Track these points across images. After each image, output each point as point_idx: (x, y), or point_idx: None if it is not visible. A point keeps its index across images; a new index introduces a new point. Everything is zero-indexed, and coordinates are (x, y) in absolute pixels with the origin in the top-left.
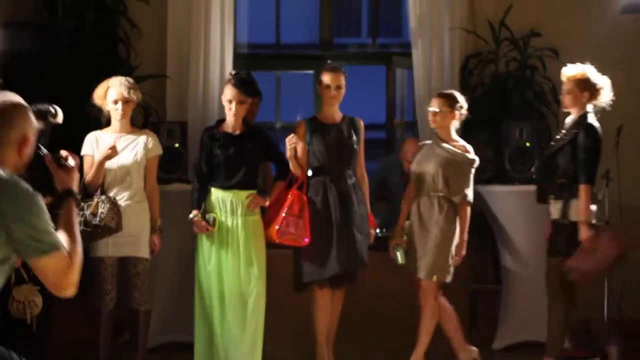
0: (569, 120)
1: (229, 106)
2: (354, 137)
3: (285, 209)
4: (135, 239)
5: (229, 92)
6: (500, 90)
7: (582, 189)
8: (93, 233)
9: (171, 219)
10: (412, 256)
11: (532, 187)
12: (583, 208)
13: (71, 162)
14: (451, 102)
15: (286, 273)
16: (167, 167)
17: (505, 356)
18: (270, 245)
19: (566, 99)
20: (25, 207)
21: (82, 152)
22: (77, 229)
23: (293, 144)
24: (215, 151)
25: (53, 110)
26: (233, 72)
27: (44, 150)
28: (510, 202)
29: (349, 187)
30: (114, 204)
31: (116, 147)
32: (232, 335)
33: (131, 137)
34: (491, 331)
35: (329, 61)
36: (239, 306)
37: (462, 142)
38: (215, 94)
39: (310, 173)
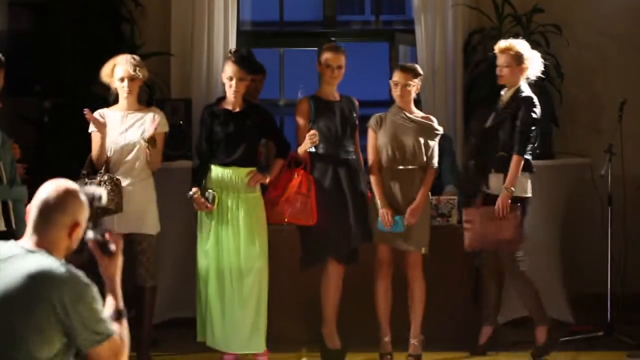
0: (506, 93)
1: (229, 83)
2: (354, 114)
3: (294, 188)
4: (141, 215)
5: (229, 69)
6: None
7: (514, 159)
8: (92, 213)
9: (175, 196)
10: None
11: (534, 163)
12: (510, 177)
13: (113, 247)
14: (416, 75)
15: (288, 251)
16: (172, 144)
17: (509, 331)
18: (271, 222)
19: (504, 72)
20: (81, 300)
21: (90, 129)
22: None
23: (315, 142)
24: (215, 128)
25: (98, 195)
26: (233, 50)
27: (90, 235)
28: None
29: (354, 162)
30: (115, 184)
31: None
32: (232, 313)
33: (138, 114)
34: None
35: (332, 39)
36: (239, 283)
37: (420, 112)
38: (219, 72)
39: (313, 149)
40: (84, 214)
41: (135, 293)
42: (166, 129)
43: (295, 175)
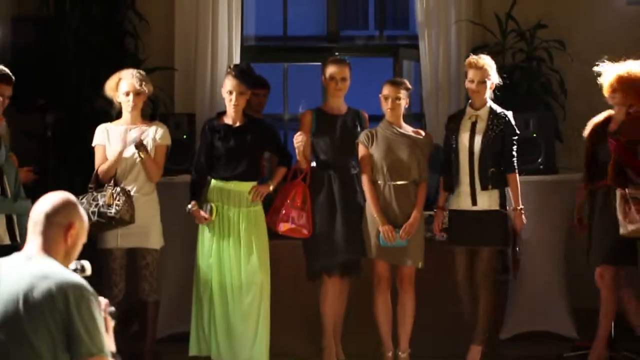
0: (481, 110)
1: (229, 97)
2: (359, 129)
3: (288, 201)
4: (145, 230)
5: (229, 83)
6: (506, 82)
7: (514, 177)
8: (107, 224)
9: (178, 211)
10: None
11: (538, 178)
12: (518, 196)
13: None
14: (406, 88)
15: (292, 265)
16: (175, 159)
17: (513, 346)
18: (277, 236)
19: (481, 88)
20: (84, 302)
21: (94, 143)
22: None
23: (300, 143)
24: (215, 143)
25: (79, 267)
26: (233, 65)
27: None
28: (524, 193)
29: (352, 177)
30: (129, 196)
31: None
32: (234, 328)
33: (142, 128)
34: (498, 321)
35: (336, 53)
36: (240, 297)
37: (409, 127)
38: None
39: (314, 164)
40: (80, 220)
41: (139, 307)
42: (168, 142)
43: (293, 188)
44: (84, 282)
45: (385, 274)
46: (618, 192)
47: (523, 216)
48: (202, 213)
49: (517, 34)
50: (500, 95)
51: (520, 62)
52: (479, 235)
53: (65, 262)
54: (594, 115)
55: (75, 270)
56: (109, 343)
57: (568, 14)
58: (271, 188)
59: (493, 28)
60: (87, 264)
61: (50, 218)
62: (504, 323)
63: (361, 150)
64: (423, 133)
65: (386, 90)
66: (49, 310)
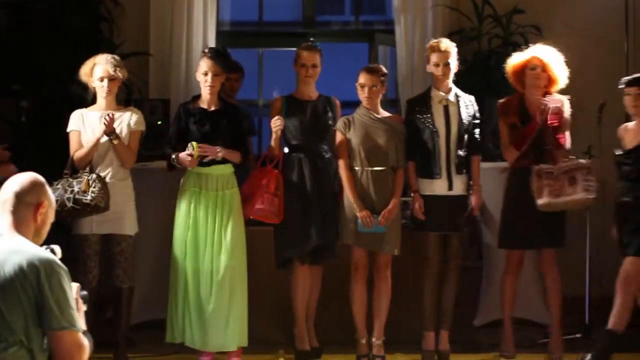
0: (449, 93)
1: (204, 79)
2: (329, 114)
3: (261, 187)
4: (119, 216)
5: (204, 64)
6: (482, 67)
7: (479, 159)
8: (82, 211)
9: (154, 196)
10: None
11: None
12: (479, 176)
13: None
14: (384, 77)
15: (267, 251)
16: (150, 144)
17: (486, 333)
18: (253, 222)
19: (448, 71)
20: (54, 276)
21: (69, 129)
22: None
23: (278, 127)
24: (190, 127)
25: (49, 251)
26: (208, 47)
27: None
28: (492, 179)
29: (324, 162)
30: (104, 183)
31: (112, 120)
32: (210, 314)
33: (116, 114)
34: (472, 308)
35: (312, 39)
36: (217, 281)
37: (386, 112)
38: None
39: (286, 150)
40: (48, 199)
41: (113, 294)
42: (142, 128)
43: (265, 174)
44: (55, 258)
45: (362, 260)
46: (533, 169)
47: (480, 195)
48: (185, 154)
49: (493, 19)
50: (475, 81)
51: (496, 48)
52: (453, 222)
53: (35, 241)
54: (570, 101)
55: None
56: (80, 321)
57: (544, 0)
58: (219, 155)
59: (469, 13)
60: (57, 248)
61: (20, 197)
62: (478, 310)
63: (338, 137)
64: (400, 118)
65: (362, 78)
66: (21, 284)
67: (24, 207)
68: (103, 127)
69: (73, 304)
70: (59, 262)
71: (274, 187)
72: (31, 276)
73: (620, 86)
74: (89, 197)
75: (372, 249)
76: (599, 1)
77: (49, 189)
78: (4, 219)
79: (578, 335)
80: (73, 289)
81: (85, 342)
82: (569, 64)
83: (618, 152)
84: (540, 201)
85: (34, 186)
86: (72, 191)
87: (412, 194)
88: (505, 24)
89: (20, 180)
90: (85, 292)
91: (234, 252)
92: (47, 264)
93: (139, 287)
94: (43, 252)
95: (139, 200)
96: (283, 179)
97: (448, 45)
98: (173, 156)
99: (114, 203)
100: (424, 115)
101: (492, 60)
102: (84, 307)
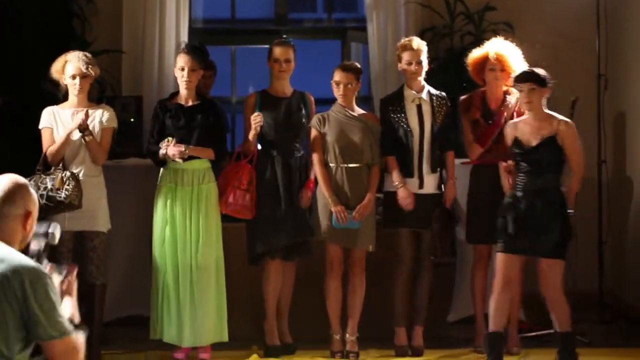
0: (422, 91)
1: (181, 74)
2: (303, 111)
3: (234, 182)
4: (92, 213)
5: (180, 60)
6: (455, 64)
7: (452, 154)
8: (55, 208)
9: (127, 193)
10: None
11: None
12: (453, 171)
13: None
14: (358, 74)
15: (240, 247)
16: (123, 141)
17: (460, 329)
18: (228, 218)
19: (421, 69)
20: (39, 283)
21: (41, 126)
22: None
23: (258, 123)
24: (166, 122)
25: (51, 233)
26: (184, 42)
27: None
28: (466, 175)
29: (296, 159)
30: (78, 181)
31: (87, 116)
32: (189, 308)
33: (88, 112)
34: (446, 304)
35: (284, 36)
36: (197, 276)
37: (361, 110)
38: (171, 69)
39: (259, 146)
40: (35, 204)
41: (86, 290)
42: (115, 125)
43: (239, 169)
44: (39, 266)
45: (337, 257)
46: (500, 165)
47: (454, 189)
48: (164, 145)
49: (465, 16)
50: (447, 78)
51: (468, 45)
52: (424, 219)
53: (21, 246)
54: None
55: (45, 234)
56: (74, 313)
57: None
58: (186, 153)
59: (441, 10)
60: (57, 230)
61: (7, 210)
62: (451, 306)
63: (313, 133)
64: (375, 116)
65: (337, 75)
66: (4, 293)
67: (12, 219)
68: (78, 122)
69: (61, 310)
70: (43, 269)
71: (247, 183)
72: (16, 285)
73: (512, 84)
74: (62, 195)
75: (346, 245)
76: None
77: (32, 190)
78: None
79: (550, 331)
80: (73, 271)
81: (79, 341)
82: (540, 60)
83: (517, 149)
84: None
85: (20, 194)
86: (45, 188)
87: (397, 187)
88: (477, 21)
89: (4, 189)
90: (55, 227)
91: (212, 247)
92: (32, 272)
93: (112, 284)
94: (27, 261)
95: (112, 197)
96: (256, 174)
97: (419, 43)
98: (163, 151)
99: (86, 200)
100: (398, 115)
101: (465, 57)
102: (74, 281)
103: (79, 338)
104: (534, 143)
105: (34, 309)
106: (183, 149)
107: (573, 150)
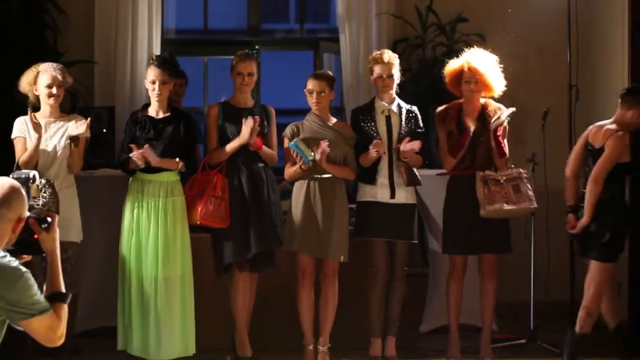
0: (392, 104)
1: (152, 87)
2: (265, 123)
3: (209, 190)
4: (66, 223)
5: (151, 73)
6: (427, 75)
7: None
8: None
9: (98, 204)
10: (313, 238)
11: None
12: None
13: (49, 219)
14: (331, 82)
15: (210, 258)
16: (94, 152)
17: (432, 339)
18: (194, 229)
19: (392, 82)
20: (14, 288)
21: (13, 135)
22: (62, 286)
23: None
24: (137, 134)
25: (32, 175)
26: (155, 55)
27: (26, 214)
28: (438, 186)
29: (260, 169)
30: (54, 188)
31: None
32: (154, 321)
33: (60, 122)
34: (418, 314)
35: (257, 47)
36: (163, 289)
37: (334, 119)
38: (143, 80)
39: None
40: (25, 212)
41: None
42: (87, 134)
43: (212, 178)
44: (16, 263)
45: (309, 266)
46: (477, 175)
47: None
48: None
49: (437, 27)
50: (420, 89)
51: (440, 56)
52: (397, 229)
53: (6, 246)
54: (514, 107)
55: (27, 179)
56: (59, 284)
57: (489, 8)
58: (148, 152)
59: (414, 21)
60: (35, 172)
61: (3, 212)
62: (424, 316)
63: (286, 143)
64: (349, 125)
65: (310, 84)
66: None
67: (5, 222)
68: (32, 134)
69: (36, 295)
70: (20, 267)
71: (221, 191)
72: None
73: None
74: (40, 203)
75: (317, 255)
76: (541, 10)
77: (25, 198)
78: None
79: (523, 341)
80: (55, 218)
81: (56, 317)
82: (512, 71)
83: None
84: (490, 207)
85: (16, 200)
86: None
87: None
88: (450, 32)
89: (3, 191)
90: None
91: (176, 261)
92: (10, 271)
93: (84, 295)
94: (3, 261)
95: (84, 207)
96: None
97: (390, 57)
98: (134, 156)
99: (60, 210)
100: (368, 124)
101: (437, 68)
102: (48, 219)
103: (60, 311)
104: None
105: (7, 306)
106: (144, 149)
107: None
